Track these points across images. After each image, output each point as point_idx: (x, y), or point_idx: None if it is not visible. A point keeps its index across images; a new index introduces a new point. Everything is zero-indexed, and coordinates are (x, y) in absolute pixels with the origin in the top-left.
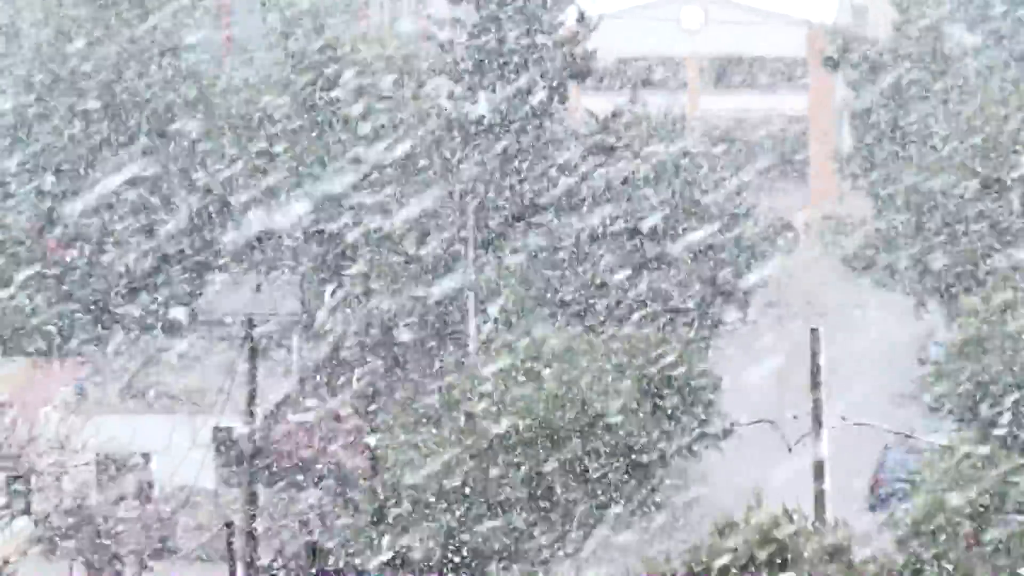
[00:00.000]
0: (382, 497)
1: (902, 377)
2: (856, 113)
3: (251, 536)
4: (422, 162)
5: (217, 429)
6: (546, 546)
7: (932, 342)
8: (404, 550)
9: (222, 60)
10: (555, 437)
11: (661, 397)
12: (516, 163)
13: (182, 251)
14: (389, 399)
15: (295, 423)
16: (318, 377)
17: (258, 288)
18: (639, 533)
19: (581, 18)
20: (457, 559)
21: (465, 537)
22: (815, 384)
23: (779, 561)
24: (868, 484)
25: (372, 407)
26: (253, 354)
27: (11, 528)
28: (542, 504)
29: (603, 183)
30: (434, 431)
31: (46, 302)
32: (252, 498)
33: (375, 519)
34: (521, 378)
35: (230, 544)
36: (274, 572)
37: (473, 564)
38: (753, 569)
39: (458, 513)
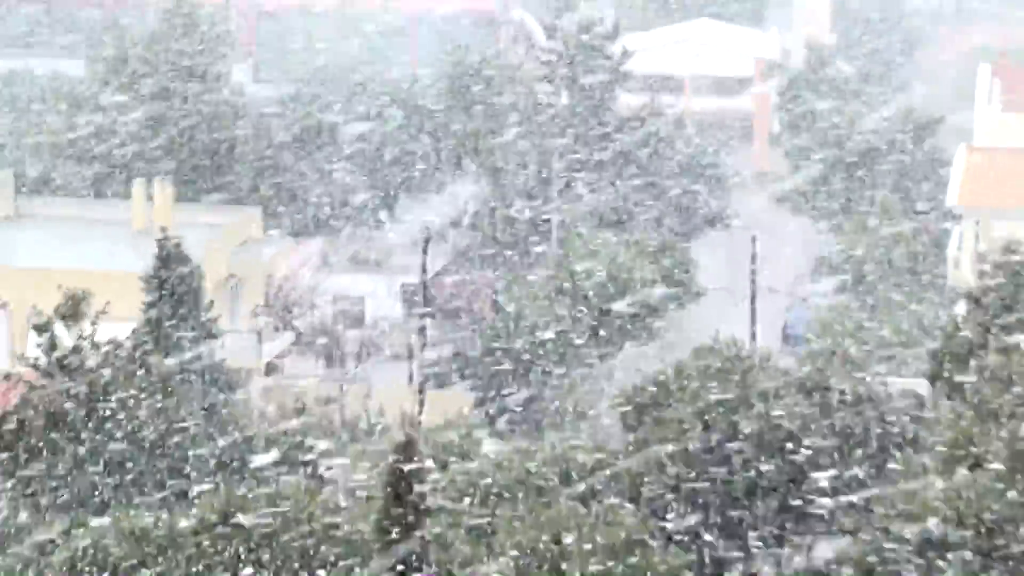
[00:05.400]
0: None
1: (805, 264)
2: (783, 109)
3: (422, 346)
4: (527, 128)
5: (404, 284)
6: (590, 357)
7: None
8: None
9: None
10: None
11: (664, 273)
12: (584, 133)
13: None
14: (504, 271)
15: (450, 283)
16: (465, 257)
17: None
18: (647, 351)
19: (624, 50)
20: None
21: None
22: (752, 269)
23: (729, 371)
24: (780, 328)
25: (496, 275)
26: (426, 242)
27: (282, 337)
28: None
29: (634, 148)
30: (537, 290)
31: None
32: (422, 326)
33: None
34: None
35: (410, 349)
36: (436, 365)
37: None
38: (714, 374)
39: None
